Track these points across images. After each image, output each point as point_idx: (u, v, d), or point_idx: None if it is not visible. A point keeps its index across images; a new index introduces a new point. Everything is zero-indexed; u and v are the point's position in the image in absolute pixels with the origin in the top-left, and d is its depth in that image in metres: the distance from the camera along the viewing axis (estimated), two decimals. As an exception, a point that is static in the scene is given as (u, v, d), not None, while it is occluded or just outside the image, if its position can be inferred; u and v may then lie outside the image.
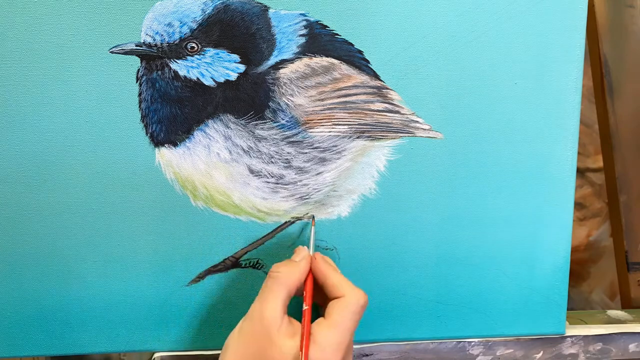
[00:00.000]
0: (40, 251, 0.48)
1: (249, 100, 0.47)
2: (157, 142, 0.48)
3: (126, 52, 0.46)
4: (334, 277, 0.44)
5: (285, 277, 0.43)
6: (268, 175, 0.48)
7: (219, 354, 0.48)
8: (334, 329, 0.41)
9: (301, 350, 0.40)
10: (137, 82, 0.47)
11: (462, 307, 0.53)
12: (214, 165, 0.48)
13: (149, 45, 0.46)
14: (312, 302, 0.43)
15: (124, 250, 0.49)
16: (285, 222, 0.50)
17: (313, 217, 0.49)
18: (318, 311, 0.48)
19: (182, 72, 0.47)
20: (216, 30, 0.46)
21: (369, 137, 0.49)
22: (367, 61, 0.48)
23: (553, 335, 0.55)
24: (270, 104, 0.47)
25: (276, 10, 0.47)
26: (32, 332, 0.50)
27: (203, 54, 0.46)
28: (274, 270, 0.43)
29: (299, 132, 0.48)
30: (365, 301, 0.43)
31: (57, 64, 0.46)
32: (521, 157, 0.51)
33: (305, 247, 0.46)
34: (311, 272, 0.45)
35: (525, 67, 0.50)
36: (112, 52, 0.46)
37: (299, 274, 0.44)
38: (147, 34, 0.46)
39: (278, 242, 0.50)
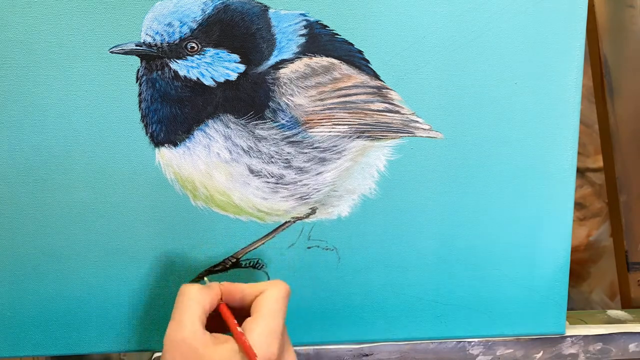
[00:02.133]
0: (40, 251, 0.48)
1: (249, 100, 0.47)
2: (157, 142, 0.48)
3: (126, 52, 0.46)
4: (247, 285, 0.43)
5: (198, 294, 0.41)
6: (268, 175, 0.48)
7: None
8: (261, 322, 0.40)
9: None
10: (137, 82, 0.47)
11: (462, 307, 0.53)
12: (214, 165, 0.48)
13: (149, 45, 0.46)
14: (235, 321, 0.41)
15: (124, 250, 0.49)
16: (285, 222, 0.50)
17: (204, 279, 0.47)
18: None
19: (182, 72, 0.47)
20: (216, 30, 0.46)
21: (369, 137, 0.49)
22: (367, 61, 0.48)
23: (553, 335, 0.55)
24: (270, 103, 0.47)
25: (276, 10, 0.47)
26: (32, 332, 0.50)
27: (203, 54, 0.46)
28: (185, 289, 0.41)
29: (299, 132, 0.48)
30: (287, 289, 0.42)
31: (57, 64, 0.46)
32: (521, 157, 0.51)
33: None
34: (223, 301, 0.43)
35: (525, 67, 0.50)
36: (112, 52, 0.46)
37: (212, 293, 0.42)
38: (147, 34, 0.46)
39: (278, 242, 0.50)
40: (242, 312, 0.42)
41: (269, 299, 0.41)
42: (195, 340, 0.39)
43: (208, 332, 0.40)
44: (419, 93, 0.49)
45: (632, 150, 0.65)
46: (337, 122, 0.48)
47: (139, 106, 0.47)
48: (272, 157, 0.48)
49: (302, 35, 0.47)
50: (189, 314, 0.40)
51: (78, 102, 0.46)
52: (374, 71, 0.48)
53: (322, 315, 0.52)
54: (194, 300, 0.41)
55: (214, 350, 0.39)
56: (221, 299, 0.43)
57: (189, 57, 0.46)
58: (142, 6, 0.46)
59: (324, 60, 0.48)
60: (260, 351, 0.39)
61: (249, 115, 0.47)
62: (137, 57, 0.46)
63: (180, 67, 0.47)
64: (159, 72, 0.47)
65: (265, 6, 0.47)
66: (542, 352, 0.55)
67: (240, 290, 0.43)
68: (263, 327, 0.40)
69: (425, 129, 0.50)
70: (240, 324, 0.41)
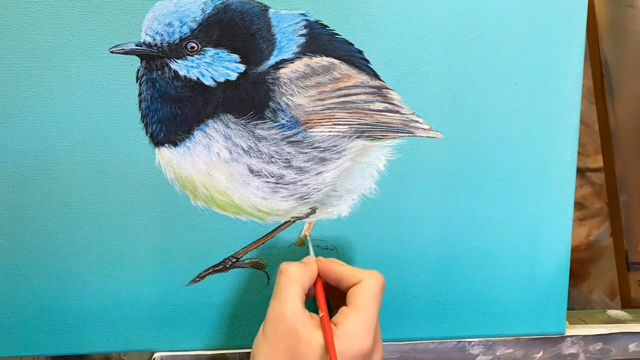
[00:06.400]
0: (40, 251, 0.48)
1: (249, 100, 0.47)
2: (157, 142, 0.48)
3: (126, 52, 0.46)
4: (345, 269, 0.44)
5: (297, 274, 0.43)
6: (268, 175, 0.48)
7: (219, 354, 0.48)
8: (359, 314, 0.41)
9: (328, 352, 0.40)
10: (137, 82, 0.47)
11: (462, 307, 0.53)
12: (214, 165, 0.48)
13: (149, 45, 0.46)
14: (327, 307, 0.43)
15: (124, 250, 0.49)
16: (285, 222, 0.50)
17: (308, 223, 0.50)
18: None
19: (182, 72, 0.47)
20: (216, 30, 0.46)
21: (369, 137, 0.49)
22: (367, 61, 0.48)
23: (553, 335, 0.55)
24: (270, 103, 0.47)
25: (276, 10, 0.47)
26: (32, 332, 0.50)
27: (203, 54, 0.46)
28: (285, 268, 0.43)
29: (299, 132, 0.48)
30: (383, 281, 0.43)
31: (57, 64, 0.46)
32: (521, 157, 0.51)
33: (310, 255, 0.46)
34: (320, 277, 0.45)
35: (525, 67, 0.50)
36: (112, 52, 0.46)
37: (310, 272, 0.44)
38: (147, 34, 0.46)
39: (278, 242, 0.50)
40: (336, 292, 0.45)
41: (367, 292, 0.43)
42: (296, 320, 0.41)
43: (307, 311, 0.42)
44: (419, 93, 0.49)
45: (632, 150, 0.65)
46: (337, 122, 0.48)
47: (139, 106, 0.47)
48: (272, 157, 0.48)
49: (302, 35, 0.47)
50: (290, 293, 0.42)
51: (78, 102, 0.47)
52: (374, 71, 0.48)
53: (322, 315, 0.52)
54: (293, 279, 0.42)
55: (311, 332, 0.41)
56: (318, 275, 0.45)
57: (189, 57, 0.46)
58: (142, 6, 0.46)
59: (324, 60, 0.48)
60: (356, 344, 0.40)
61: (249, 115, 0.47)
62: (137, 57, 0.46)
63: (180, 67, 0.47)
64: (159, 72, 0.47)
65: (265, 6, 0.47)
66: (542, 352, 0.55)
67: (336, 272, 0.44)
68: (360, 321, 0.41)
69: (425, 129, 0.50)
70: (330, 302, 0.44)
